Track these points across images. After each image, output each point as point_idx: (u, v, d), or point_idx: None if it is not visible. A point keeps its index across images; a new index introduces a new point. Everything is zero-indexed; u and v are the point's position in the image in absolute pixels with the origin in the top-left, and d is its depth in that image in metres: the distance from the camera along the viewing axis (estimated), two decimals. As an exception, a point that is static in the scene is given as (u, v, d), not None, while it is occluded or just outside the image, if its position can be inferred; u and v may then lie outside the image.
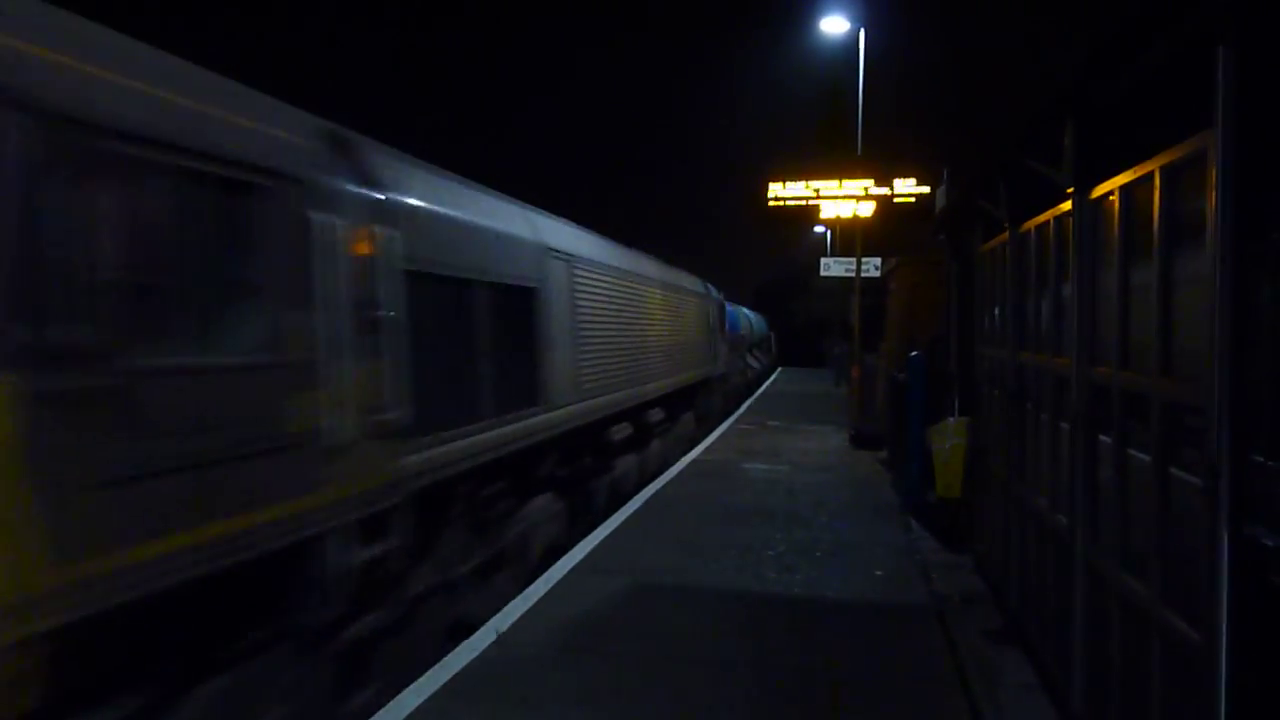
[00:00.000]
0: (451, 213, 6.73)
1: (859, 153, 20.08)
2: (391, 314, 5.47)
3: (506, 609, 6.99)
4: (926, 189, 17.95)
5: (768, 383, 36.02)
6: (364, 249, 5.29)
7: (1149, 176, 3.81)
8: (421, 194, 6.24)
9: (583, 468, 10.33)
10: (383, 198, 5.58)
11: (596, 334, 10.50)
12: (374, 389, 5.24)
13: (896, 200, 18.52)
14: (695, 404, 18.70)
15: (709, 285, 21.90)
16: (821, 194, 18.76)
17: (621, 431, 12.00)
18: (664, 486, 12.37)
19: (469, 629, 6.61)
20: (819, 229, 36.20)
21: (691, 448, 16.56)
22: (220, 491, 4.02)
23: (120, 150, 3.62)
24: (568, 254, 9.56)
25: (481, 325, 7.03)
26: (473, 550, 7.03)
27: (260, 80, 4.93)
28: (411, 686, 5.53)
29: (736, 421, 21.21)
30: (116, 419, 3.51)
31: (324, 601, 4.88)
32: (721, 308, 23.69)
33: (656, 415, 14.38)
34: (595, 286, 10.66)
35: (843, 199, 18.68)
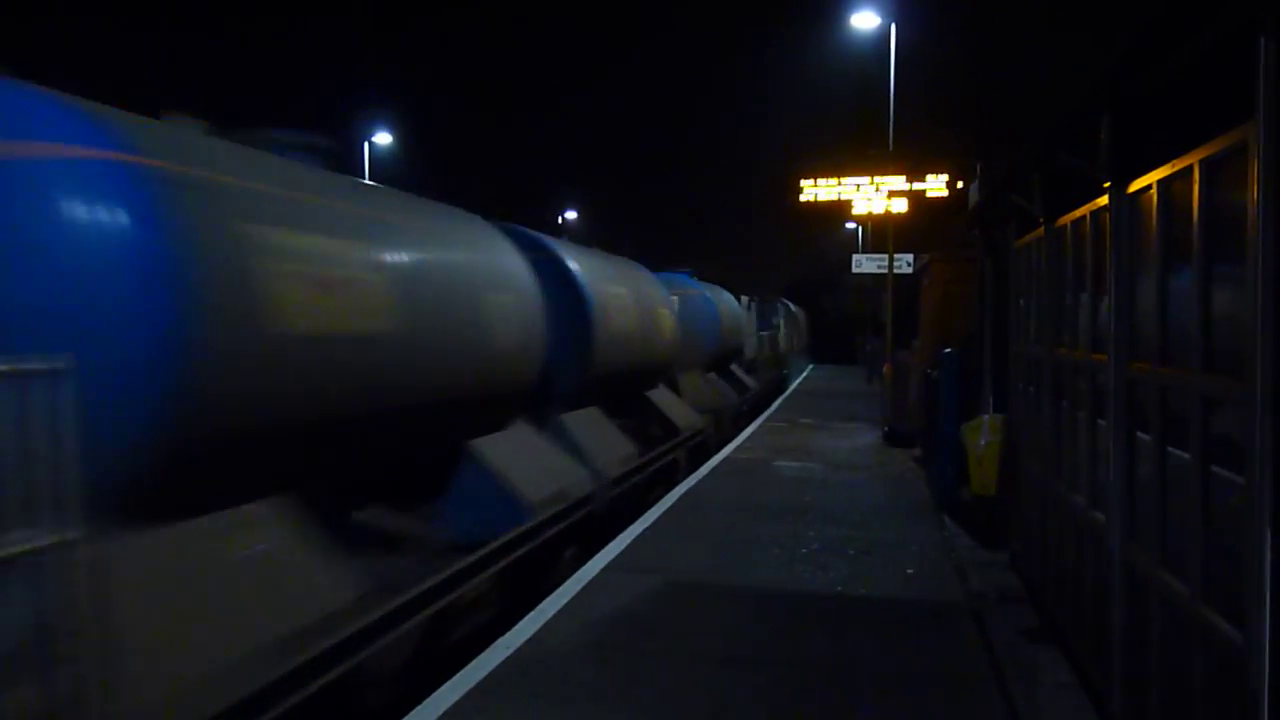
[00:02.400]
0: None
1: (891, 149, 19.92)
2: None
3: (541, 606, 7.03)
4: (960, 184, 17.81)
5: (799, 379, 35.87)
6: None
7: (1188, 170, 3.76)
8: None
9: None
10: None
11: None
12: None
13: (929, 196, 18.39)
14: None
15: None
16: (856, 189, 18.66)
17: None
18: (696, 485, 12.36)
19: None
20: (850, 225, 36.02)
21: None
22: None
23: None
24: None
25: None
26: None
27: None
28: (448, 683, 5.57)
29: (768, 419, 21.15)
30: None
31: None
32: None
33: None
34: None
35: (875, 195, 18.57)
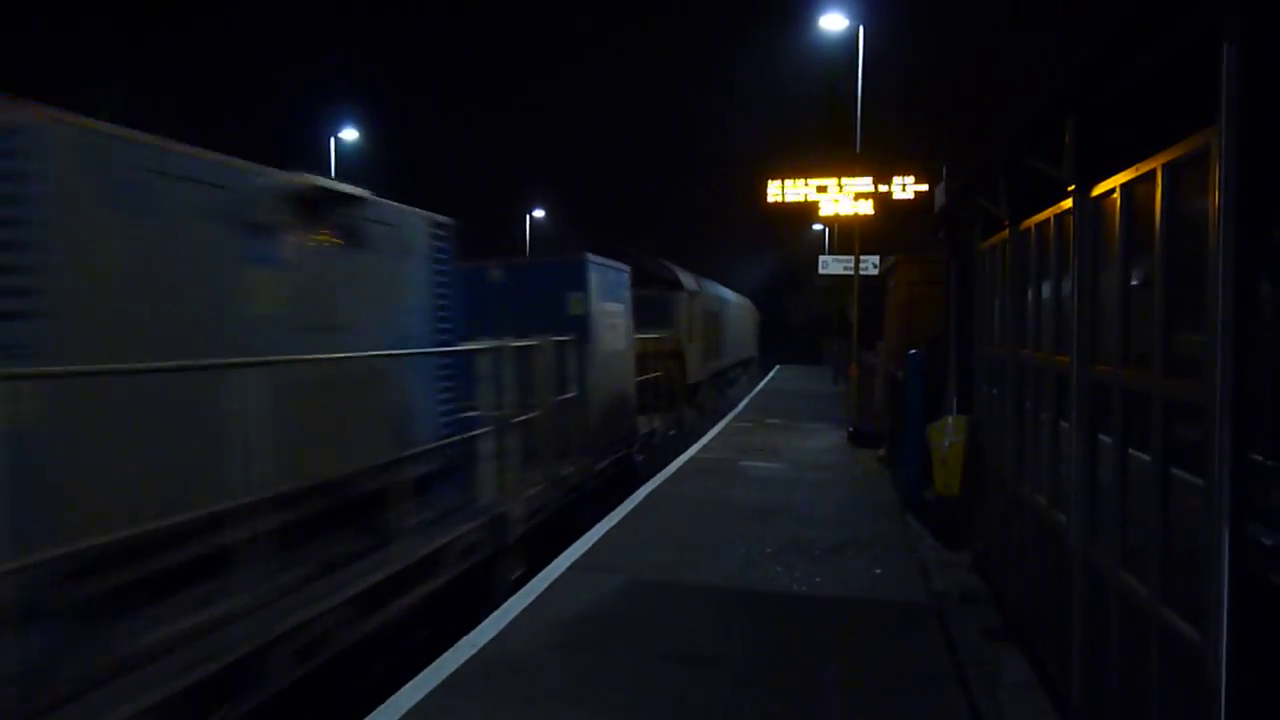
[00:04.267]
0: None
1: (858, 150, 20.05)
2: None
3: (505, 605, 6.99)
4: (925, 187, 17.96)
5: (765, 380, 36.00)
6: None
7: (1151, 174, 3.80)
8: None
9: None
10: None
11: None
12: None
13: (895, 198, 18.53)
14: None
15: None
16: (822, 191, 18.77)
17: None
18: (661, 484, 12.35)
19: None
20: (817, 226, 36.23)
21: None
22: None
23: None
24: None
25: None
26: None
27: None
28: (410, 683, 5.52)
29: (734, 419, 21.20)
30: None
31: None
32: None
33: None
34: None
35: (842, 197, 18.68)
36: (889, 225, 20.03)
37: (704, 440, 17.07)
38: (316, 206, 6.32)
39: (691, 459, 14.74)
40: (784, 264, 55.12)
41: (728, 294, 31.19)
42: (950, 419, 9.07)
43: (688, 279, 21.81)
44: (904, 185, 18.40)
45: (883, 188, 18.81)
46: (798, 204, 19.41)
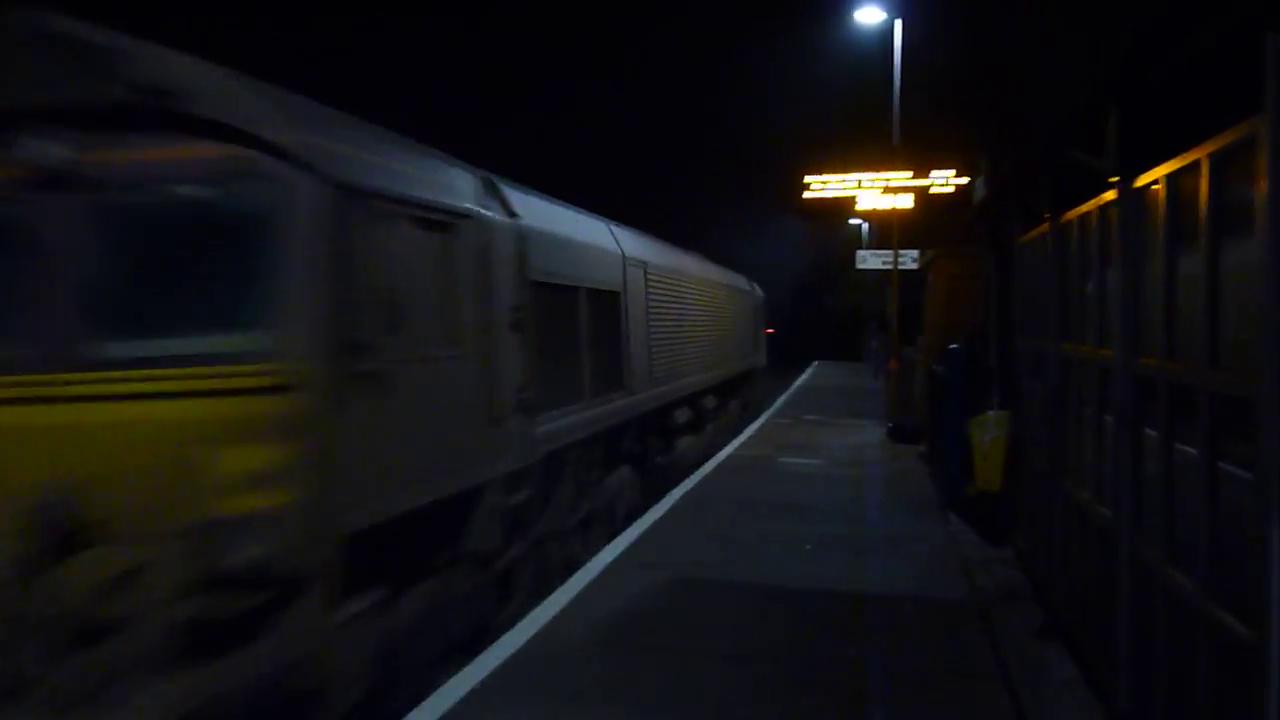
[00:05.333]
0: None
1: (895, 144, 19.87)
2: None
3: (546, 602, 7.03)
4: (965, 180, 17.78)
5: (803, 377, 35.82)
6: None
7: (1195, 165, 3.73)
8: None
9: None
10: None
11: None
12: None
13: (934, 192, 18.37)
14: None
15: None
16: (861, 185, 18.65)
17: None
18: (701, 481, 12.35)
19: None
20: (855, 221, 35.98)
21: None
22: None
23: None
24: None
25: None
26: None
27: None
28: (453, 680, 5.57)
29: (773, 416, 21.13)
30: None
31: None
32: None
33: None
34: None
35: (879, 191, 18.56)
36: (928, 219, 19.82)
37: (742, 437, 17.03)
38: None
39: (730, 455, 14.72)
40: (820, 259, 54.78)
41: (684, 259, 14.84)
42: (991, 414, 8.98)
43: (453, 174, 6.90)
44: (944, 180, 18.22)
45: (921, 181, 18.66)
46: (835, 199, 19.30)
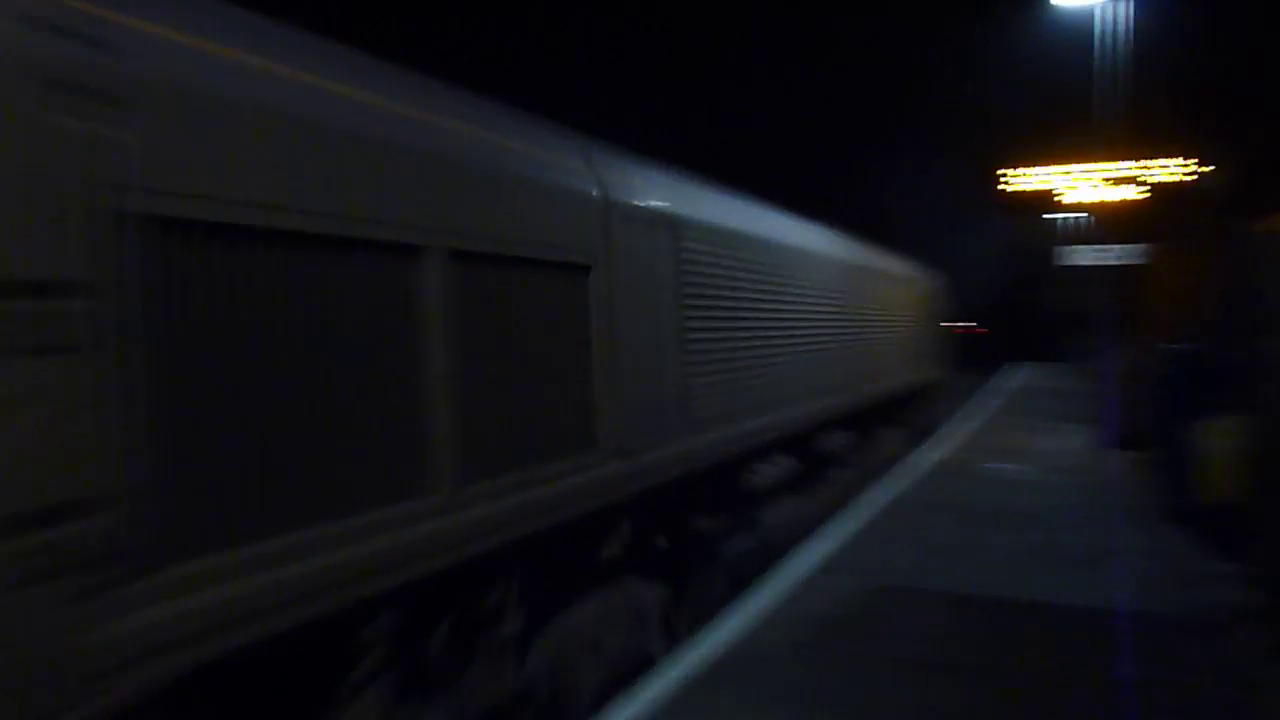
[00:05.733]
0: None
1: (1112, 133, 18.73)
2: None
3: (744, 605, 7.08)
4: (1193, 166, 16.57)
5: (1008, 380, 34.26)
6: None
7: None
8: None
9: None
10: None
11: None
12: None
13: (1156, 182, 17.21)
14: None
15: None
16: (1072, 176, 17.72)
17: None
18: (906, 487, 12.10)
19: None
20: (1062, 215, 34.17)
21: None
22: None
23: None
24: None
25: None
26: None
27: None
28: (645, 678, 5.70)
29: (976, 419, 20.38)
30: None
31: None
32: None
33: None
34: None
35: (1096, 183, 17.56)
36: (1145, 211, 18.59)
37: (947, 442, 16.51)
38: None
39: (936, 460, 14.31)
40: (1025, 256, 52.23)
41: (785, 224, 10.38)
42: (1223, 420, 8.35)
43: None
44: (1179, 168, 17.01)
45: (1138, 172, 17.51)
46: (1037, 191, 18.41)
